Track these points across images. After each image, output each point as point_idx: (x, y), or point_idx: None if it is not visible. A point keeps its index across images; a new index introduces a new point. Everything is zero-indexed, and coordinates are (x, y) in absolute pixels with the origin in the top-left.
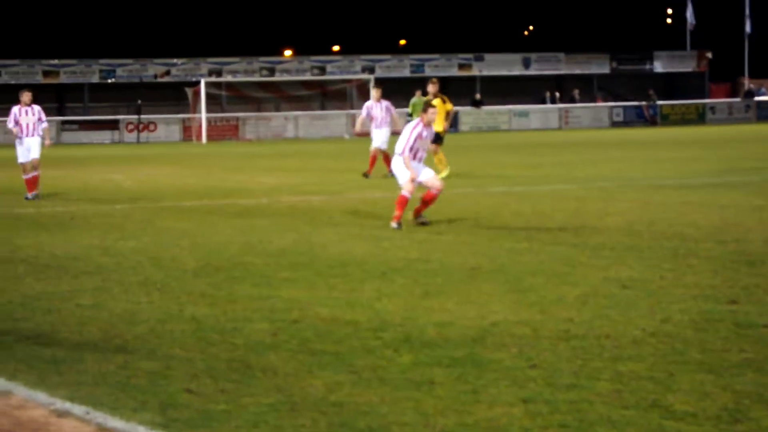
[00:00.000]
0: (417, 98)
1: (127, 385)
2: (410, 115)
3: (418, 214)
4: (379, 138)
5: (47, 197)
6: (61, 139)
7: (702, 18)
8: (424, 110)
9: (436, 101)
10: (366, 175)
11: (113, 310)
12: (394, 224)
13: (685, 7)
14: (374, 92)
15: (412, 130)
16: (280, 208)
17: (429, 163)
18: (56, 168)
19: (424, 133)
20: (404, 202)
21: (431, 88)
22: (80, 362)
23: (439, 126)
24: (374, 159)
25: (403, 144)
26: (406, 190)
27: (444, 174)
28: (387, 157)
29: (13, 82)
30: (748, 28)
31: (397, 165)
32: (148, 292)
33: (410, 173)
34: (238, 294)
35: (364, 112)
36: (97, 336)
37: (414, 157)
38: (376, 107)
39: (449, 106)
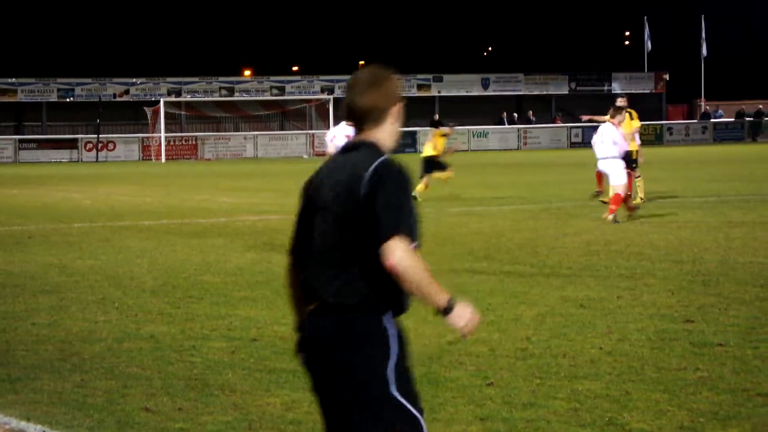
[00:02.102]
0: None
1: (83, 404)
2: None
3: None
4: None
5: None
6: (19, 157)
7: (659, 40)
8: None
9: None
10: None
11: (70, 329)
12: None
13: (643, 29)
14: None
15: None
16: (238, 228)
17: None
18: (14, 186)
19: None
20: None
21: None
22: (36, 381)
23: None
24: None
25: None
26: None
27: None
28: None
29: None
30: (704, 51)
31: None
32: (105, 310)
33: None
34: (196, 313)
35: (339, 136)
36: (54, 355)
37: None
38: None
39: None
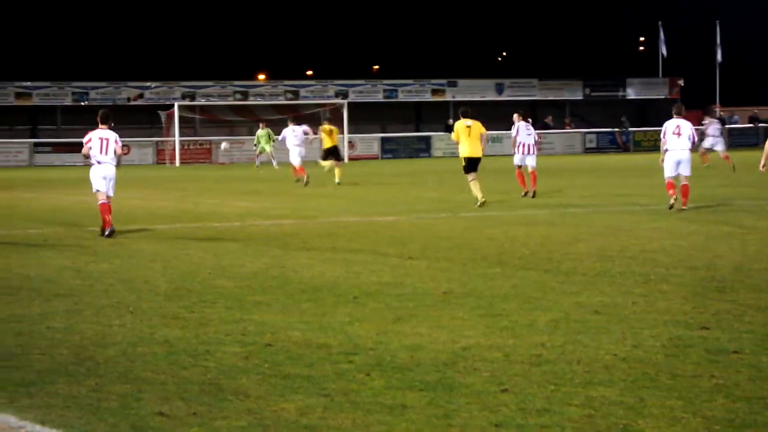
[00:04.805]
0: (261, 130)
1: (98, 408)
2: (255, 145)
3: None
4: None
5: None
6: (33, 161)
7: (674, 46)
8: None
9: None
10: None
11: (85, 333)
12: None
13: (658, 35)
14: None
15: None
16: (252, 232)
17: None
18: (29, 190)
19: None
20: None
21: None
22: (51, 385)
23: None
24: None
25: None
26: None
27: None
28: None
29: None
30: (719, 57)
31: None
32: (119, 314)
33: None
34: (211, 317)
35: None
36: (69, 359)
37: None
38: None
39: None
